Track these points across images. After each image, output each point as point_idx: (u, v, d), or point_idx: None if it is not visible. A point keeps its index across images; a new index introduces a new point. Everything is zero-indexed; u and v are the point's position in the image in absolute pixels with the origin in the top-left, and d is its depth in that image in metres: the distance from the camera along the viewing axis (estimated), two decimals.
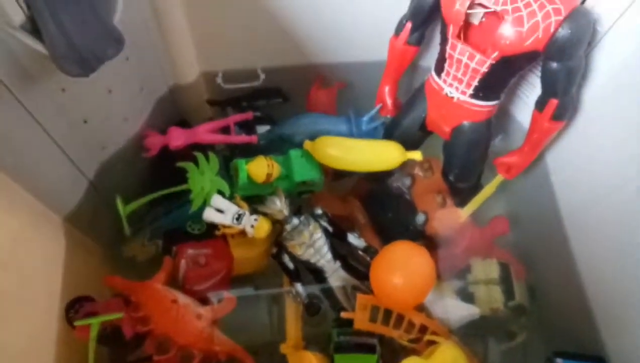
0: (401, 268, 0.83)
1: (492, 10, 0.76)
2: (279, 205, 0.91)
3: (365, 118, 1.06)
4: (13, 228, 0.76)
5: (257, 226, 0.90)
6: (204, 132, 1.01)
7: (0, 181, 0.72)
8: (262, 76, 1.09)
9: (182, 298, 0.84)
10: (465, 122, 0.92)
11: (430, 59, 0.93)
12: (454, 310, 0.93)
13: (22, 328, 0.74)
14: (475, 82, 0.84)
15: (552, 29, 0.73)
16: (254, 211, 0.92)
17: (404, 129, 1.01)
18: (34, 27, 0.59)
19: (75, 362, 0.82)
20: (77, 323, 0.81)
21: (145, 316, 0.81)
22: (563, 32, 0.73)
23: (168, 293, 0.84)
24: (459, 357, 0.82)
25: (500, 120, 1.07)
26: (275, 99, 1.13)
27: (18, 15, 0.55)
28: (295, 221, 0.92)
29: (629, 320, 0.81)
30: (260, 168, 0.93)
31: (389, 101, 1.05)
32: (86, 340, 0.81)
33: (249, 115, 1.07)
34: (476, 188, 1.06)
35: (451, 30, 0.81)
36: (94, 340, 0.81)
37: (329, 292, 0.92)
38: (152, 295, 0.83)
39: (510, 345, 0.99)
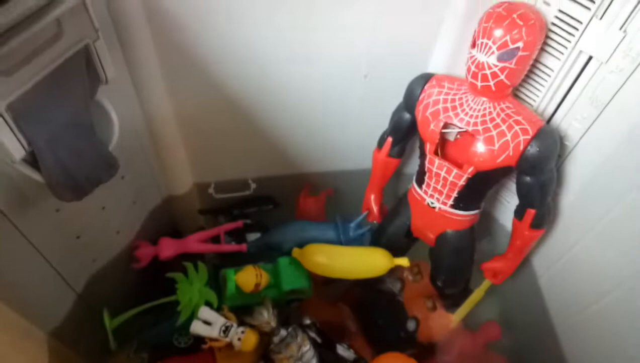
0: None
1: (465, 130, 0.82)
2: (267, 316, 0.91)
3: (352, 225, 1.08)
4: None
5: (244, 339, 0.89)
6: (194, 242, 1.03)
7: None
8: (253, 186, 1.13)
9: None
10: (449, 231, 0.94)
11: (414, 167, 0.98)
12: None
13: None
14: (454, 194, 0.88)
15: (521, 147, 0.78)
16: (241, 323, 0.92)
17: (390, 235, 1.03)
18: (33, 159, 0.63)
19: None
20: None
21: None
22: (532, 150, 0.77)
23: None
24: None
25: (485, 223, 1.10)
26: (266, 206, 1.16)
27: (19, 152, 0.59)
28: (283, 332, 0.91)
29: None
30: (249, 278, 0.94)
31: (374, 208, 1.08)
32: None
33: (239, 224, 1.09)
34: (466, 292, 1.06)
35: (428, 147, 0.86)
36: None
37: None
38: None
39: None
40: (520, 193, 0.85)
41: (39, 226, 0.77)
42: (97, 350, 0.99)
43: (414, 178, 0.97)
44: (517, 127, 0.78)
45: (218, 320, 0.91)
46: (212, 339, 0.90)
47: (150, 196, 1.06)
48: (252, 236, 1.10)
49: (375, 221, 1.10)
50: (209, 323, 0.91)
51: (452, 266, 0.99)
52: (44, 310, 0.86)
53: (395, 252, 1.01)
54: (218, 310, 0.93)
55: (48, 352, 0.87)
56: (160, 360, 0.91)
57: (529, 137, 0.77)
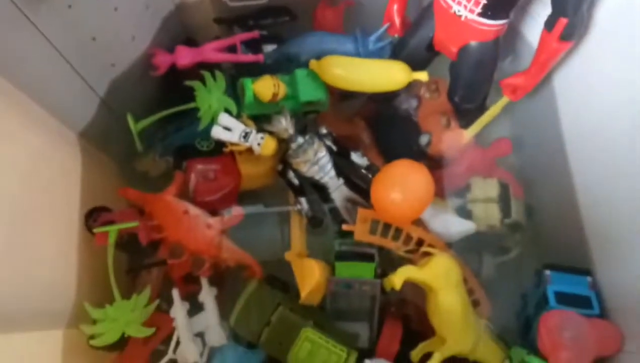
0: (400, 184, 0.86)
1: None
2: (285, 124, 0.93)
3: (372, 38, 1.04)
4: (33, 144, 0.80)
5: (263, 144, 0.93)
6: (211, 51, 1.01)
7: (20, 100, 0.76)
8: None
9: (193, 210, 0.89)
10: (473, 42, 0.91)
11: None
12: (451, 225, 0.97)
13: (48, 235, 0.81)
14: (483, 0, 0.83)
15: None
16: (260, 130, 0.95)
17: (411, 49, 1.00)
18: None
19: (96, 266, 0.90)
20: (96, 230, 0.87)
21: (159, 225, 0.87)
22: None
23: (179, 204, 0.89)
24: (453, 267, 0.87)
25: (510, 41, 1.05)
26: (283, 17, 1.11)
27: None
28: (300, 140, 0.95)
29: (617, 237, 0.86)
30: (266, 88, 0.94)
31: (397, 20, 1.03)
32: (105, 246, 0.88)
33: (255, 34, 1.06)
34: (481, 110, 1.06)
35: None
36: (112, 246, 0.87)
37: (331, 207, 0.97)
38: (164, 206, 0.88)
39: (504, 259, 1.04)
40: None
41: (54, 22, 0.76)
42: (125, 153, 1.06)
43: None
44: None
45: (238, 126, 0.94)
46: (232, 144, 0.95)
47: (162, 2, 1.02)
48: (269, 48, 1.07)
49: (396, 35, 1.05)
50: (229, 129, 0.94)
51: (472, 80, 0.98)
52: (71, 111, 0.90)
53: (415, 67, 0.99)
54: (237, 118, 0.96)
55: (80, 151, 0.93)
56: (184, 160, 0.97)
57: None
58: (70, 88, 0.87)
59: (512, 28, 1.01)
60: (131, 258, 0.98)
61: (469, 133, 1.07)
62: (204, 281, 0.91)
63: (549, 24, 0.84)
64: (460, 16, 0.88)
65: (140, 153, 1.02)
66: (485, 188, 1.04)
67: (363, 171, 0.98)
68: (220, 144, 0.96)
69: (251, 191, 1.03)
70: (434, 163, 1.07)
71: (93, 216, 0.91)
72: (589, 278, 0.90)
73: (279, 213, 1.02)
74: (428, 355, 0.87)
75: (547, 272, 0.92)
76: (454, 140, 1.07)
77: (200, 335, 0.90)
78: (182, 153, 1.00)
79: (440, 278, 0.86)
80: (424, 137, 1.07)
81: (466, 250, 0.99)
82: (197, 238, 0.87)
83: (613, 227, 0.87)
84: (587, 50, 0.89)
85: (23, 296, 0.74)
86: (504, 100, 1.01)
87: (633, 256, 0.82)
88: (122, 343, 0.87)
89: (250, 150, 0.95)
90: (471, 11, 0.86)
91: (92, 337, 0.85)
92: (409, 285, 0.86)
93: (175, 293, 0.89)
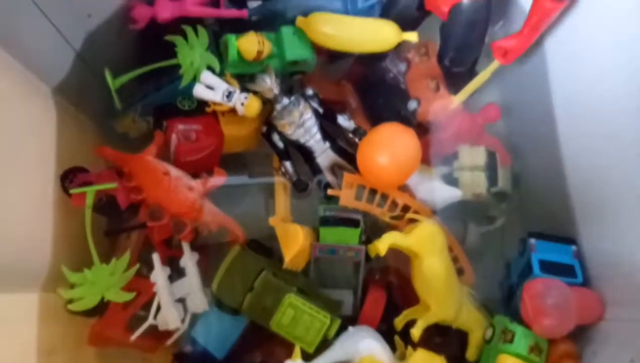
0: (387, 147, 0.84)
1: None
2: (269, 83, 0.90)
3: None
4: (4, 94, 0.76)
5: (247, 105, 0.90)
6: (193, 5, 0.95)
7: None
8: None
9: (174, 171, 0.86)
10: (465, 1, 0.88)
11: None
12: (437, 192, 0.96)
13: (21, 193, 0.77)
14: None
15: None
16: (244, 89, 0.92)
17: (402, 8, 0.97)
18: None
19: (73, 228, 0.87)
20: (72, 191, 0.84)
21: (138, 186, 0.84)
22: None
23: (159, 165, 0.86)
24: (438, 234, 0.87)
25: (502, 5, 1.02)
26: None
27: None
28: (286, 100, 0.92)
29: (603, 206, 0.85)
30: (250, 45, 0.90)
31: None
32: (82, 208, 0.84)
33: None
34: (471, 74, 1.04)
35: None
36: (89, 208, 0.84)
37: (317, 171, 0.94)
38: (144, 166, 0.85)
39: (489, 228, 1.04)
40: None
41: None
42: (103, 112, 1.01)
43: None
44: None
45: (221, 85, 0.90)
46: (215, 103, 0.91)
47: None
48: (254, 3, 1.02)
49: None
50: (211, 88, 0.91)
51: (463, 42, 0.95)
52: (45, 63, 0.85)
53: (405, 27, 0.96)
54: (220, 76, 0.92)
55: (55, 107, 0.89)
56: (164, 120, 0.94)
57: None
58: (43, 39, 0.81)
59: None
60: (110, 221, 0.95)
61: (457, 99, 1.04)
62: (186, 246, 0.89)
63: None
64: None
65: (119, 113, 0.98)
66: (473, 156, 1.03)
67: (350, 134, 0.96)
68: (203, 103, 0.93)
69: (235, 156, 1.01)
70: (422, 129, 1.05)
71: (69, 177, 0.87)
72: (573, 247, 0.91)
73: (264, 188, 1.00)
74: (411, 323, 0.87)
75: (532, 241, 0.92)
76: (443, 106, 1.05)
77: (181, 301, 0.89)
78: (162, 112, 0.96)
79: (425, 244, 0.85)
80: (412, 102, 1.04)
81: (451, 218, 0.99)
82: (178, 200, 0.84)
83: (599, 196, 0.86)
84: (579, 13, 0.86)
85: None
86: (495, 64, 0.99)
87: (618, 225, 0.82)
88: (101, 308, 0.85)
89: (233, 110, 0.91)
90: None
91: (70, 301, 0.82)
92: (393, 252, 0.86)
93: (156, 258, 0.87)
